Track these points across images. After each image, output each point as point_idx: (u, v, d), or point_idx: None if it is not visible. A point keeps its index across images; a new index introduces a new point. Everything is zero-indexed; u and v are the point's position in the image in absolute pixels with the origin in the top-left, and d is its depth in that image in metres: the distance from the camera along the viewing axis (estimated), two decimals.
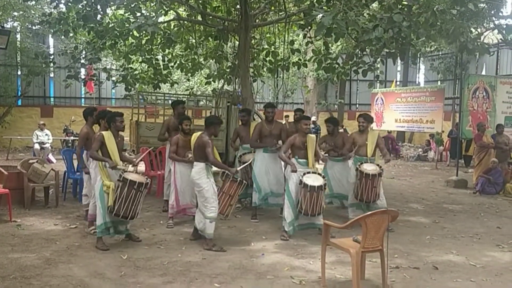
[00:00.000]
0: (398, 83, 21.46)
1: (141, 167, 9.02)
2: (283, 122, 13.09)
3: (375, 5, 9.58)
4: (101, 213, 5.31)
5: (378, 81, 14.09)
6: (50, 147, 13.65)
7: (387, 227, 4.19)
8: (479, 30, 13.11)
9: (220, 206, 5.59)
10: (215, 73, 11.43)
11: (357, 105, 22.85)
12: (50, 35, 16.83)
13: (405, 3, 7.22)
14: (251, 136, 7.12)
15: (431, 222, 7.21)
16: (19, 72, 17.41)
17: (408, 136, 20.66)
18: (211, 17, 10.04)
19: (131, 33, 8.62)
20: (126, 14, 8.56)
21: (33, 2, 13.31)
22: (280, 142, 6.80)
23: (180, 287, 4.30)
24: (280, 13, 9.99)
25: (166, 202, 7.12)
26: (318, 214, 5.96)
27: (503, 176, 10.00)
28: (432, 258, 5.32)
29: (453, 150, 14.62)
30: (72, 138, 14.48)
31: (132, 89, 11.02)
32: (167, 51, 10.80)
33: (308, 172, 6.02)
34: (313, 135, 6.37)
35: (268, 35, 11.15)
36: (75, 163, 7.89)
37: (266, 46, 10.70)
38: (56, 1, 8.62)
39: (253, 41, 10.31)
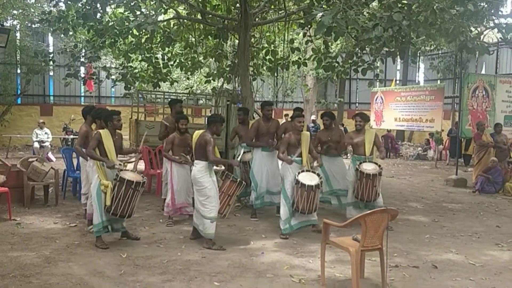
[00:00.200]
0: (397, 82, 21.49)
1: (141, 165, 9.02)
2: (283, 121, 13.10)
3: (375, 4, 9.57)
4: (97, 212, 5.31)
5: (377, 80, 14.08)
6: (49, 146, 13.65)
7: (386, 226, 4.20)
8: (478, 29, 13.11)
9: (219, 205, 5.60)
10: (215, 72, 11.42)
11: (357, 104, 22.86)
12: (49, 34, 16.81)
13: (405, 2, 7.21)
14: (248, 134, 7.13)
15: (430, 221, 7.22)
16: (18, 71, 17.41)
17: (407, 135, 20.67)
18: (210, 15, 10.02)
19: (130, 31, 8.63)
20: (126, 13, 8.55)
21: (33, 1, 13.30)
22: (275, 141, 6.87)
23: (179, 286, 4.30)
24: (280, 12, 9.98)
25: (164, 201, 7.12)
26: (314, 211, 6.05)
27: (503, 175, 10.01)
28: (431, 257, 5.33)
29: (452, 149, 14.63)
30: (71, 136, 14.49)
31: (132, 87, 11.01)
32: (166, 49, 10.79)
33: (303, 171, 6.04)
34: (307, 133, 6.40)
35: (268, 33, 11.14)
36: (75, 161, 7.89)
37: (265, 45, 10.69)
38: (56, 0, 8.61)
39: (252, 40, 10.29)
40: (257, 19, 10.09)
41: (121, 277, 4.46)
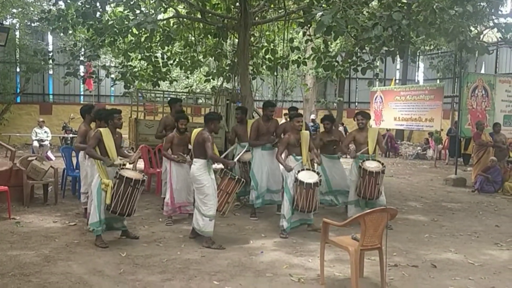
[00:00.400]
0: (397, 81, 21.48)
1: (140, 164, 9.03)
2: (283, 120, 13.08)
3: (374, 3, 9.57)
4: (96, 210, 5.30)
5: (377, 79, 14.04)
6: (49, 145, 13.65)
7: (386, 225, 4.20)
8: (478, 28, 13.12)
9: (217, 203, 5.61)
10: (214, 71, 11.42)
11: (356, 103, 22.85)
12: (49, 32, 16.78)
13: (405, 1, 7.21)
14: (249, 136, 7.15)
15: (429, 220, 7.22)
16: (18, 69, 17.40)
17: (407, 134, 20.67)
18: (210, 14, 10.02)
19: (130, 30, 8.61)
20: (125, 12, 8.53)
21: None
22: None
23: (179, 285, 4.30)
24: (280, 11, 9.97)
25: (164, 200, 7.12)
26: (313, 210, 6.06)
27: (502, 174, 10.02)
28: (430, 256, 5.33)
29: (452, 149, 14.64)
30: (71, 135, 14.48)
31: (131, 86, 11.01)
32: (166, 48, 10.79)
33: (303, 169, 6.06)
34: (306, 132, 6.42)
35: (267, 33, 11.13)
36: (74, 160, 7.89)
37: (265, 44, 10.69)
38: None
39: (252, 39, 10.29)
40: (256, 18, 10.09)
41: (120, 276, 4.46)
